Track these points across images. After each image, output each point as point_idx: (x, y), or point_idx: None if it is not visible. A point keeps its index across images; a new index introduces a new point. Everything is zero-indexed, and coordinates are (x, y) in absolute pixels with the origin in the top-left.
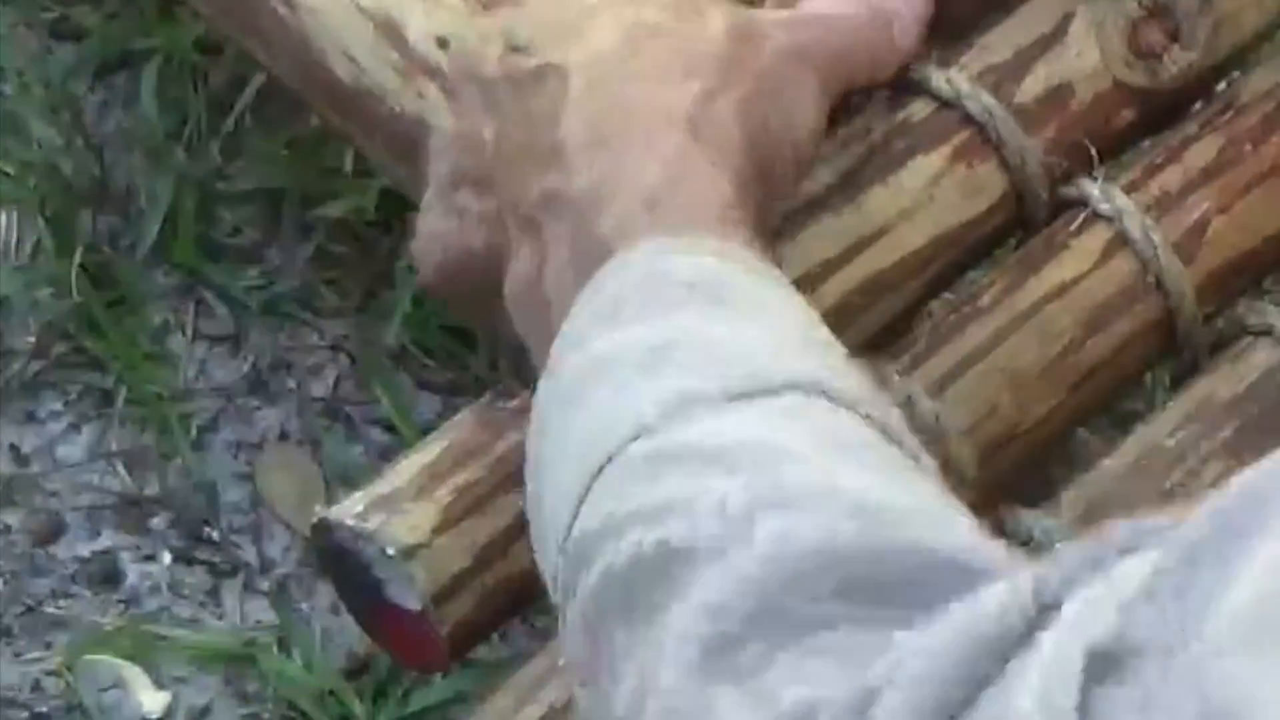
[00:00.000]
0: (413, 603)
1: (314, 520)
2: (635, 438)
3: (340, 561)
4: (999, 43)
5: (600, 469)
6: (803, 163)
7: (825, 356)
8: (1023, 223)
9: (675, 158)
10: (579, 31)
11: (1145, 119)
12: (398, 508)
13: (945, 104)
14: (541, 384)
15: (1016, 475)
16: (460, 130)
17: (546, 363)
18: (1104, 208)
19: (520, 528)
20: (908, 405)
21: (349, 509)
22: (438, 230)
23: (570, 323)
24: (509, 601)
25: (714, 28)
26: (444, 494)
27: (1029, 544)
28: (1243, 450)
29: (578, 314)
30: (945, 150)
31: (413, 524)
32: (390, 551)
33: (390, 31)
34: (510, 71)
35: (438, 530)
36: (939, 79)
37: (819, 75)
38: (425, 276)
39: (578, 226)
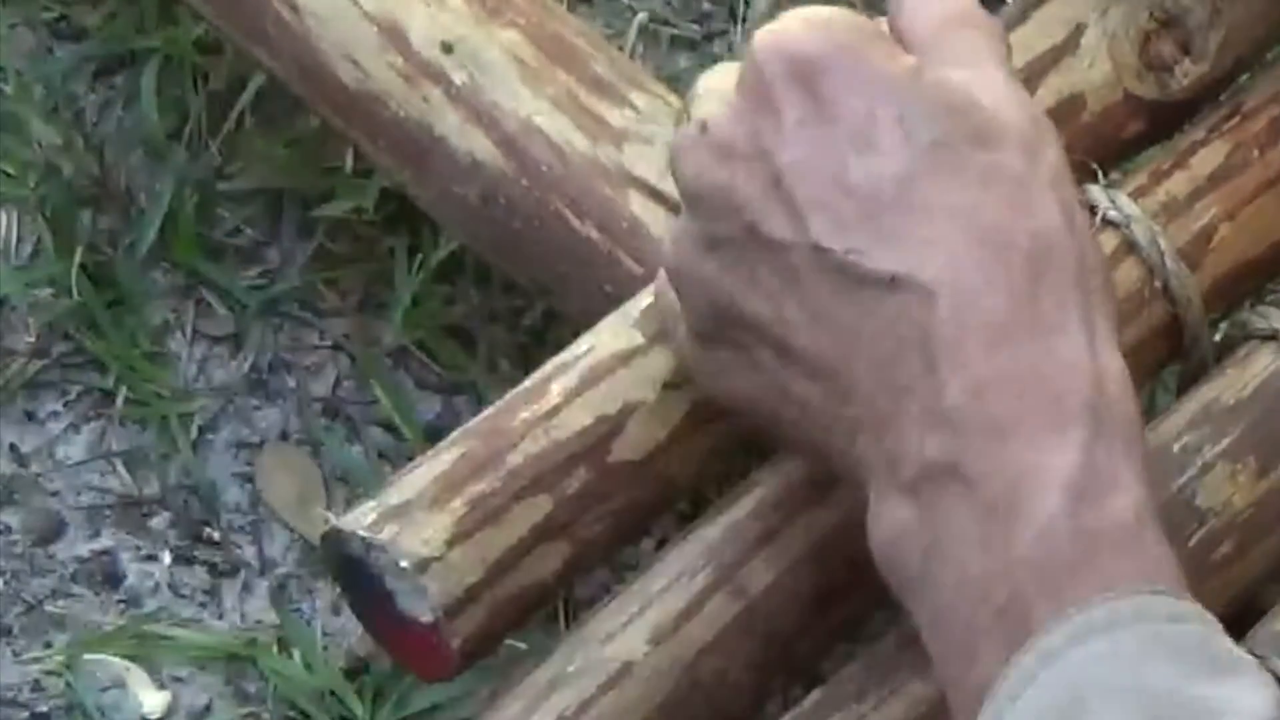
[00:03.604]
0: (424, 614)
1: (325, 528)
2: None
3: (350, 570)
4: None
5: None
6: None
7: None
8: None
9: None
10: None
11: (1153, 130)
12: (411, 519)
13: None
14: None
15: None
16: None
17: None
18: (1111, 214)
19: (532, 540)
20: None
21: (360, 519)
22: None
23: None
24: (519, 613)
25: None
26: (458, 505)
27: None
28: (1248, 455)
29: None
30: None
31: (426, 536)
32: (404, 564)
33: (394, 35)
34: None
35: (451, 543)
36: None
37: None
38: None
39: (989, 546)
